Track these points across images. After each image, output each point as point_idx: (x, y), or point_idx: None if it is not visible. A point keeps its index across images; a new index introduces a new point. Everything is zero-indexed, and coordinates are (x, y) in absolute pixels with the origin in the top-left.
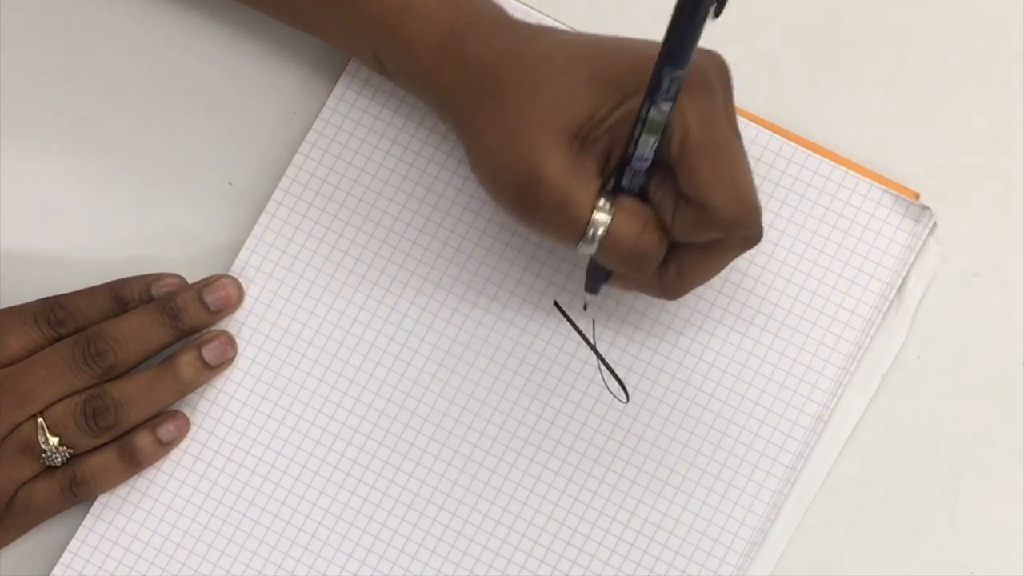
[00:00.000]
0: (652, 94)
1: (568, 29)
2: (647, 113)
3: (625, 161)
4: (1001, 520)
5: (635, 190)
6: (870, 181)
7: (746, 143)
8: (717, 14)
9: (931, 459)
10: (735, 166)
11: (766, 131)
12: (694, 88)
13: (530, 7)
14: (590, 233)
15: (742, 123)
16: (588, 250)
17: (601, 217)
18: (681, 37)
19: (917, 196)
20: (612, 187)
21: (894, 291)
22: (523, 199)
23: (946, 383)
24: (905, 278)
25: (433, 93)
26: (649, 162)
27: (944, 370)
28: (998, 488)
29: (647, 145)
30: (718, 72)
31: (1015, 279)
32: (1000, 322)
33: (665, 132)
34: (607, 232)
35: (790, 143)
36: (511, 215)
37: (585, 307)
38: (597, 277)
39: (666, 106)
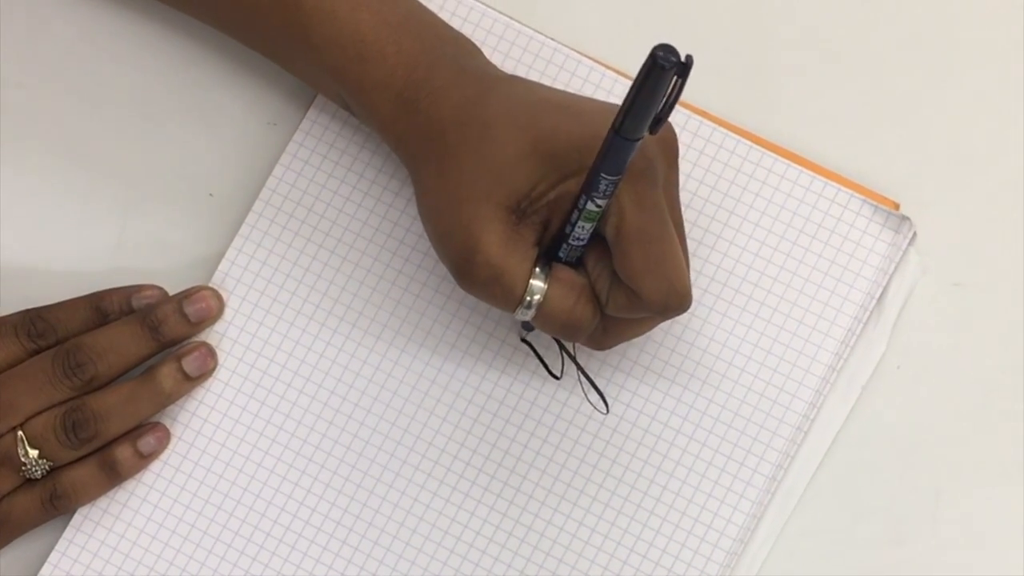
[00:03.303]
0: (588, 190)
1: (527, 79)
2: (584, 205)
3: (563, 236)
4: (981, 527)
5: (572, 261)
6: (850, 191)
7: (726, 154)
8: (653, 132)
9: (912, 468)
10: (666, 255)
11: (745, 141)
12: (633, 172)
13: (500, 12)
14: (526, 301)
15: (721, 133)
16: (524, 317)
17: (537, 285)
18: (616, 153)
19: (897, 206)
20: (549, 255)
21: (874, 301)
22: (460, 269)
23: (926, 392)
24: (885, 288)
25: (390, 141)
26: (585, 242)
27: (924, 379)
28: (979, 496)
29: (584, 230)
30: (662, 147)
31: (995, 289)
32: (980, 331)
33: (602, 216)
34: (542, 302)
35: (769, 153)
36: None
37: (522, 338)
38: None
39: (602, 202)
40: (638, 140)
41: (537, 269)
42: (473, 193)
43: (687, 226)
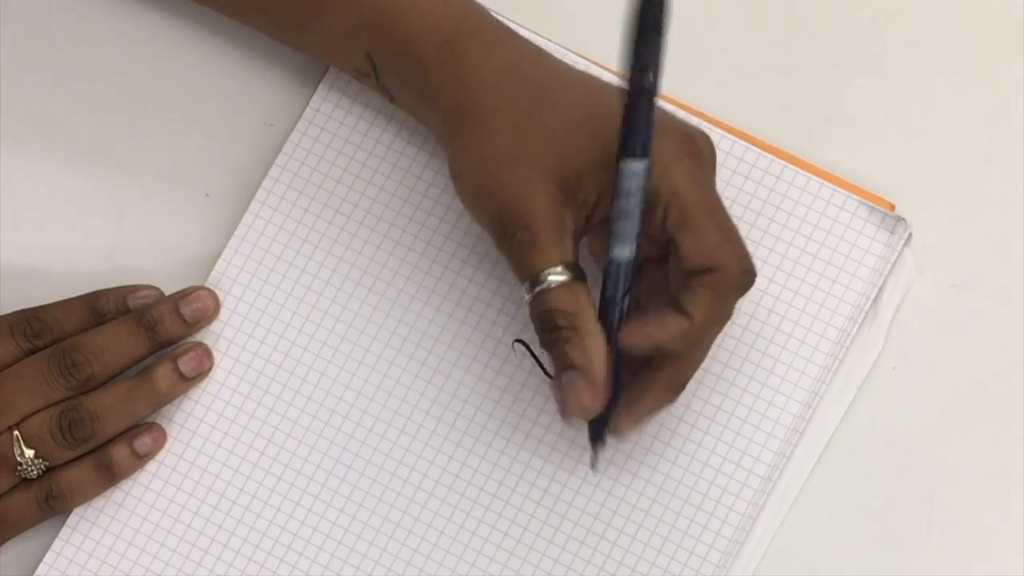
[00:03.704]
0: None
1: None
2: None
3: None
4: (977, 529)
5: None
6: (845, 192)
7: (722, 155)
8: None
9: (907, 469)
10: (732, 225)
11: (742, 142)
12: (682, 153)
13: (497, 13)
14: (541, 278)
15: (718, 134)
16: (526, 294)
17: (553, 278)
18: (644, 46)
19: (892, 207)
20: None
21: (869, 302)
22: (499, 226)
23: (922, 393)
24: (880, 289)
25: (427, 93)
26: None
27: (920, 381)
28: (973, 498)
29: (620, 202)
30: (705, 142)
31: (991, 290)
32: (976, 333)
33: (651, 207)
34: (544, 291)
35: (765, 154)
36: (484, 231)
37: (593, 465)
38: (598, 428)
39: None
40: (652, 51)
41: (560, 267)
42: (522, 156)
43: None
